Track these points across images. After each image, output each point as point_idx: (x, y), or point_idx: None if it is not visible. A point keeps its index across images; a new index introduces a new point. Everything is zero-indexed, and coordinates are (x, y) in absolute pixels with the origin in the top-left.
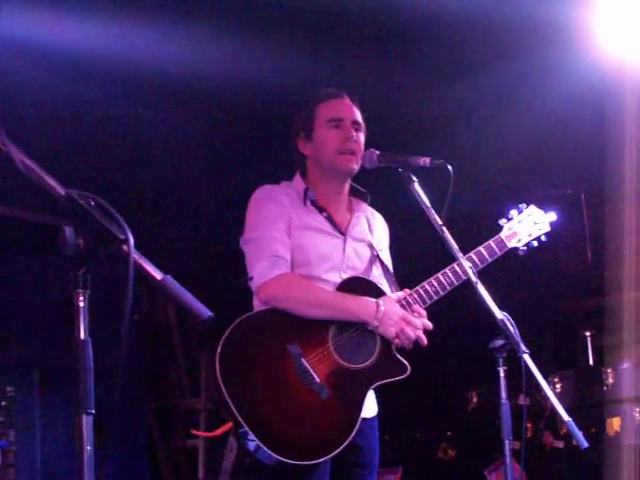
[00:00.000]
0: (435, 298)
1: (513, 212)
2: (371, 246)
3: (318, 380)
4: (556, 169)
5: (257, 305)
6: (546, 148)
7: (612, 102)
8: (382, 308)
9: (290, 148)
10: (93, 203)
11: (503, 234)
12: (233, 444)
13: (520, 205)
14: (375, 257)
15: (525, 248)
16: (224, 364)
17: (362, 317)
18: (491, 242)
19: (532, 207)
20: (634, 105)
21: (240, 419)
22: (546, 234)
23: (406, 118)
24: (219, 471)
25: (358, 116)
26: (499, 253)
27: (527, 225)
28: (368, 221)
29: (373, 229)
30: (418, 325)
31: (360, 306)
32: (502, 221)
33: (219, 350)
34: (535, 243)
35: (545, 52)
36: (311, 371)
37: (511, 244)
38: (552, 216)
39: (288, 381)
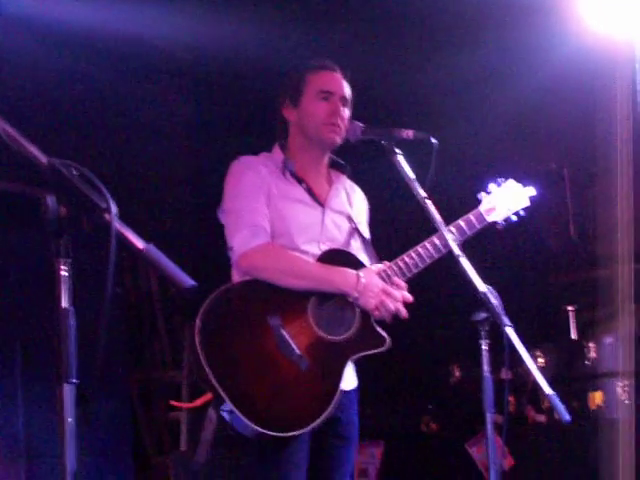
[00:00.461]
0: (415, 271)
1: (492, 186)
2: (350, 218)
3: (298, 351)
4: (540, 145)
5: (236, 276)
6: (531, 124)
7: (599, 78)
8: (363, 280)
9: (273, 113)
10: (75, 172)
11: (482, 208)
12: (212, 415)
13: (499, 179)
14: (354, 229)
15: (504, 222)
16: (203, 335)
17: (342, 288)
18: (470, 215)
19: (511, 181)
20: (621, 81)
21: (220, 390)
22: (525, 209)
23: (392, 92)
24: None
25: (347, 92)
26: (478, 227)
27: (506, 199)
28: (347, 194)
29: (352, 202)
30: (398, 297)
31: (341, 277)
32: (481, 195)
33: (198, 321)
34: (514, 217)
35: (532, 28)
36: (291, 342)
37: (490, 218)
38: (531, 190)
39: (268, 352)
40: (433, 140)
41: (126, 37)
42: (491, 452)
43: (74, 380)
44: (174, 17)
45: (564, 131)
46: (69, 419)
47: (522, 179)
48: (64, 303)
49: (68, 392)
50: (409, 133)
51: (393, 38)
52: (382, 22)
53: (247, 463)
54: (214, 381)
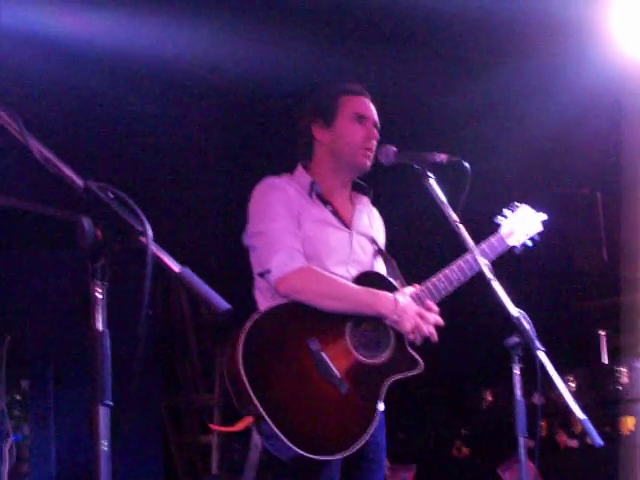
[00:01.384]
0: (445, 293)
1: (507, 211)
2: (373, 240)
3: (338, 375)
4: (572, 168)
5: (264, 299)
6: (562, 147)
7: (628, 100)
8: (400, 303)
9: (297, 133)
10: (111, 195)
11: (503, 231)
12: (257, 440)
13: (514, 204)
14: (377, 251)
15: (521, 247)
16: (246, 359)
17: (381, 311)
18: (492, 239)
19: (525, 206)
20: None
21: (263, 413)
22: (539, 234)
23: (421, 115)
24: (232, 467)
25: (377, 117)
26: (500, 251)
27: (522, 224)
28: (368, 216)
29: (372, 224)
30: (432, 321)
31: (380, 300)
32: (499, 219)
33: (241, 345)
34: (529, 243)
35: (561, 49)
36: (331, 365)
37: (510, 242)
38: (543, 216)
39: (308, 376)
40: (466, 164)
41: (150, 58)
42: (524, 477)
43: (109, 402)
44: (198, 38)
45: (596, 154)
46: (104, 442)
47: (554, 204)
48: (99, 325)
49: (103, 415)
50: (442, 157)
51: (423, 60)
52: (411, 45)
53: None
54: (257, 403)
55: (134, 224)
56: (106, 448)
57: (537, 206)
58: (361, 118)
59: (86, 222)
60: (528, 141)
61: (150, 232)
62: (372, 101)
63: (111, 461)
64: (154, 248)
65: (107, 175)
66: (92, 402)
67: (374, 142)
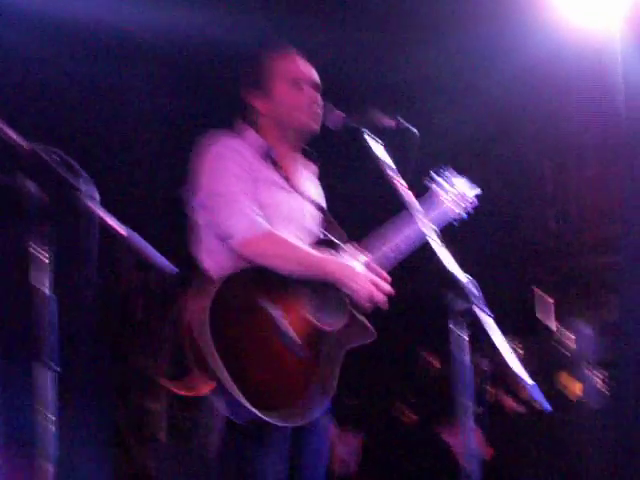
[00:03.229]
0: (394, 262)
1: (443, 183)
2: (321, 207)
3: (297, 341)
4: (518, 137)
5: (211, 259)
6: (508, 116)
7: (570, 67)
8: (356, 271)
9: (236, 100)
10: (57, 158)
11: (445, 205)
12: (221, 406)
13: (449, 176)
14: (325, 219)
15: (456, 220)
16: (213, 321)
17: (342, 279)
18: (438, 209)
19: (460, 178)
20: (595, 72)
21: (227, 376)
22: (473, 207)
23: (373, 81)
24: (181, 433)
25: (317, 77)
26: (442, 224)
27: (458, 197)
28: (315, 182)
29: (318, 190)
30: (385, 289)
31: (339, 267)
32: (436, 189)
33: (209, 308)
34: (464, 215)
35: (502, 17)
36: (290, 331)
37: (451, 214)
38: (477, 190)
39: (268, 341)
40: (415, 131)
41: (93, 23)
42: (470, 442)
43: (57, 368)
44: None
45: (542, 122)
46: (50, 407)
47: (501, 172)
48: (46, 290)
49: (49, 380)
50: (392, 123)
51: (370, 28)
52: (358, 12)
53: (231, 450)
54: (223, 368)
55: (80, 187)
56: (53, 416)
57: (484, 175)
58: (298, 82)
59: (31, 186)
60: (473, 111)
61: (96, 195)
62: (304, 58)
63: (58, 430)
64: (100, 212)
65: (52, 140)
66: (37, 368)
67: (317, 105)
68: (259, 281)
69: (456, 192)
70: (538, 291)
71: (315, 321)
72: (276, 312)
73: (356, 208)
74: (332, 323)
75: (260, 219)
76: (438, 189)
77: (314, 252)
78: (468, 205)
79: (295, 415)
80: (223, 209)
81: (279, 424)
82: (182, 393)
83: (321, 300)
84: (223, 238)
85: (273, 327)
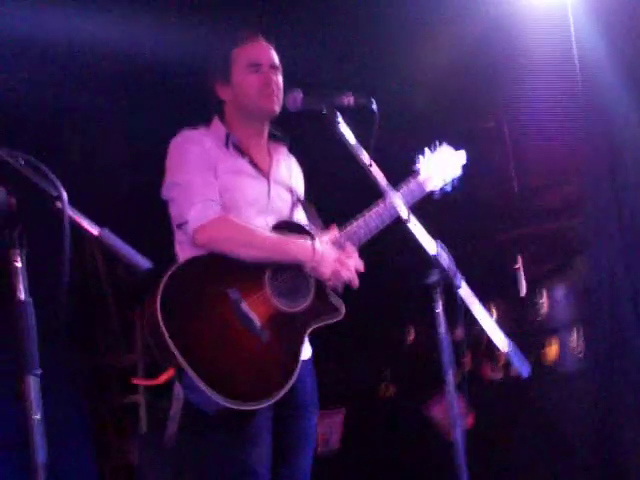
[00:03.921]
0: (365, 239)
1: (427, 152)
2: (291, 190)
3: (259, 324)
4: (475, 103)
5: (184, 252)
6: (463, 82)
7: (534, 33)
8: (318, 250)
9: (206, 93)
10: (23, 161)
11: (421, 177)
12: (179, 391)
13: (433, 145)
14: (297, 201)
15: (439, 192)
16: (164, 311)
17: (300, 258)
18: (411, 184)
19: (445, 146)
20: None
21: (184, 365)
22: (459, 178)
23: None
24: (162, 423)
25: (275, 59)
26: (418, 197)
27: (441, 167)
28: (287, 165)
29: (292, 173)
30: (351, 267)
31: (298, 248)
32: (418, 164)
33: (159, 298)
34: (449, 188)
35: None
36: (251, 315)
37: (428, 188)
38: (462, 157)
39: (229, 326)
40: (373, 105)
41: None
42: (454, 412)
43: (38, 371)
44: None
45: (501, 88)
46: (37, 415)
47: (461, 139)
48: (22, 295)
49: (33, 385)
50: (350, 99)
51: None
52: None
53: (209, 440)
54: (178, 355)
55: (48, 189)
56: (38, 417)
57: (444, 140)
58: (255, 66)
59: None
60: (428, 78)
61: (65, 196)
62: (268, 42)
63: (44, 431)
64: (70, 212)
65: (14, 142)
66: (21, 373)
67: (274, 85)
68: (216, 266)
69: (437, 163)
70: (506, 256)
71: (277, 303)
72: (235, 295)
73: (328, 190)
74: (296, 304)
75: (215, 206)
76: (420, 163)
77: (275, 236)
78: (451, 177)
79: (261, 398)
80: (180, 199)
81: (242, 408)
82: (141, 382)
83: (283, 281)
84: (182, 227)
85: (233, 311)
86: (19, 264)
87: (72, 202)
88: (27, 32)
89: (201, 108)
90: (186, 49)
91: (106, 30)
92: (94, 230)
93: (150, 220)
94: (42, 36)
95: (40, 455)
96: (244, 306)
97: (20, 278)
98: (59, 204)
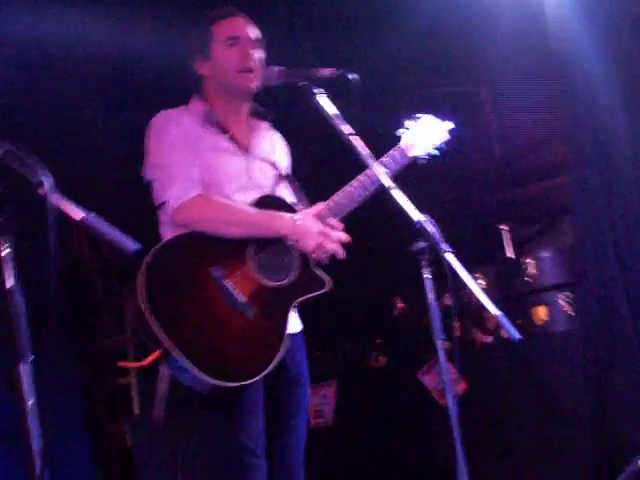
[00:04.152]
0: (348, 209)
1: (409, 122)
2: (274, 165)
3: (243, 300)
4: (452, 67)
5: (167, 232)
6: (440, 46)
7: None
8: (299, 223)
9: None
10: (6, 148)
11: (403, 144)
12: (165, 371)
13: (416, 114)
14: (279, 175)
15: (427, 157)
16: (148, 292)
17: (281, 232)
18: (392, 152)
19: (428, 116)
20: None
21: (170, 345)
22: (447, 142)
23: (299, 28)
24: (153, 404)
25: (254, 33)
26: (402, 163)
27: (425, 134)
28: (269, 140)
29: (275, 148)
30: (335, 238)
31: (279, 221)
32: (400, 132)
33: (141, 279)
34: (436, 152)
35: None
36: (234, 292)
37: (412, 154)
38: (449, 124)
39: (213, 304)
40: (351, 76)
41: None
42: (446, 379)
43: (30, 358)
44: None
45: (477, 52)
46: (31, 401)
47: (440, 105)
48: (11, 282)
49: (26, 372)
50: (328, 72)
51: None
52: None
53: (201, 419)
54: (163, 336)
55: (32, 176)
56: (32, 402)
57: (423, 109)
58: (234, 40)
59: None
60: (403, 45)
61: (49, 182)
62: (248, 17)
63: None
64: (54, 198)
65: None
66: (13, 363)
67: (251, 60)
68: (198, 245)
69: (422, 130)
70: (492, 220)
71: (262, 278)
72: (217, 273)
73: (313, 166)
74: (280, 278)
75: (195, 184)
76: (402, 130)
77: (255, 211)
78: (438, 141)
79: (249, 374)
80: (160, 179)
81: (232, 385)
82: (128, 365)
83: (267, 256)
84: (162, 208)
85: (217, 289)
86: (7, 250)
87: (61, 188)
88: (24, 34)
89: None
90: (180, 51)
91: (103, 32)
92: (77, 215)
93: (142, 204)
94: (38, 38)
95: (36, 441)
96: (227, 283)
97: (7, 265)
98: (42, 190)
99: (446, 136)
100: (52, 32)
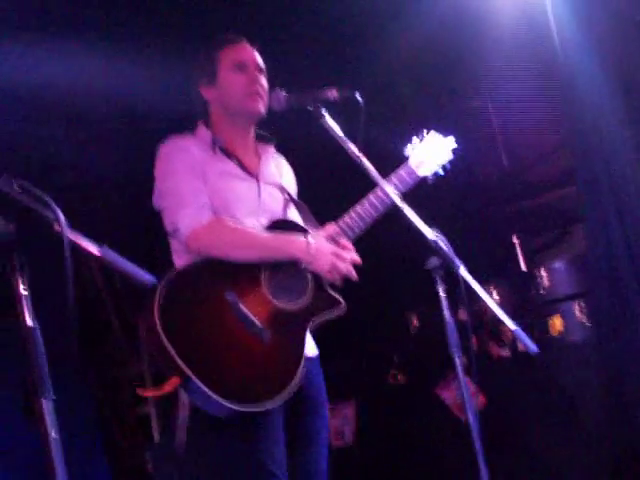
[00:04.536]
0: (359, 230)
1: (415, 140)
2: (282, 189)
3: (259, 324)
4: (461, 82)
5: (181, 259)
6: (446, 64)
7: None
8: (313, 244)
9: (191, 96)
10: (18, 187)
11: (412, 163)
12: (185, 399)
13: (421, 133)
14: (288, 199)
15: (433, 176)
16: (164, 320)
17: (295, 254)
18: (401, 172)
19: (433, 133)
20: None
21: (188, 371)
22: (450, 162)
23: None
24: (174, 432)
25: (260, 60)
26: (411, 183)
27: (432, 152)
28: (276, 165)
29: (281, 172)
30: (348, 259)
31: (292, 244)
32: (407, 151)
33: (157, 307)
34: (441, 171)
35: None
36: (250, 316)
37: (421, 173)
38: (451, 142)
39: (229, 329)
40: (358, 97)
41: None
42: (465, 394)
43: (52, 396)
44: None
45: (483, 66)
46: (53, 434)
47: (448, 120)
48: (29, 321)
49: (48, 408)
50: (333, 93)
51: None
52: None
53: (224, 445)
54: (181, 363)
55: (46, 214)
56: (56, 437)
57: (431, 125)
58: (241, 66)
59: None
60: (407, 60)
61: (63, 219)
62: (252, 44)
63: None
64: (69, 234)
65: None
66: (35, 399)
67: (259, 85)
68: (212, 270)
69: (428, 148)
70: (502, 233)
71: (276, 301)
72: (232, 297)
73: (320, 188)
74: (295, 301)
75: (206, 210)
76: (409, 148)
77: (268, 235)
78: (443, 160)
79: (268, 397)
80: (171, 207)
81: (250, 410)
82: (147, 394)
83: (280, 279)
84: (174, 235)
85: (231, 314)
86: (24, 290)
87: (70, 222)
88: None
89: None
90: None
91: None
92: (94, 250)
93: (149, 233)
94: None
95: (60, 475)
96: (242, 307)
97: (25, 304)
98: (57, 227)
99: (450, 155)
100: (56, 72)
